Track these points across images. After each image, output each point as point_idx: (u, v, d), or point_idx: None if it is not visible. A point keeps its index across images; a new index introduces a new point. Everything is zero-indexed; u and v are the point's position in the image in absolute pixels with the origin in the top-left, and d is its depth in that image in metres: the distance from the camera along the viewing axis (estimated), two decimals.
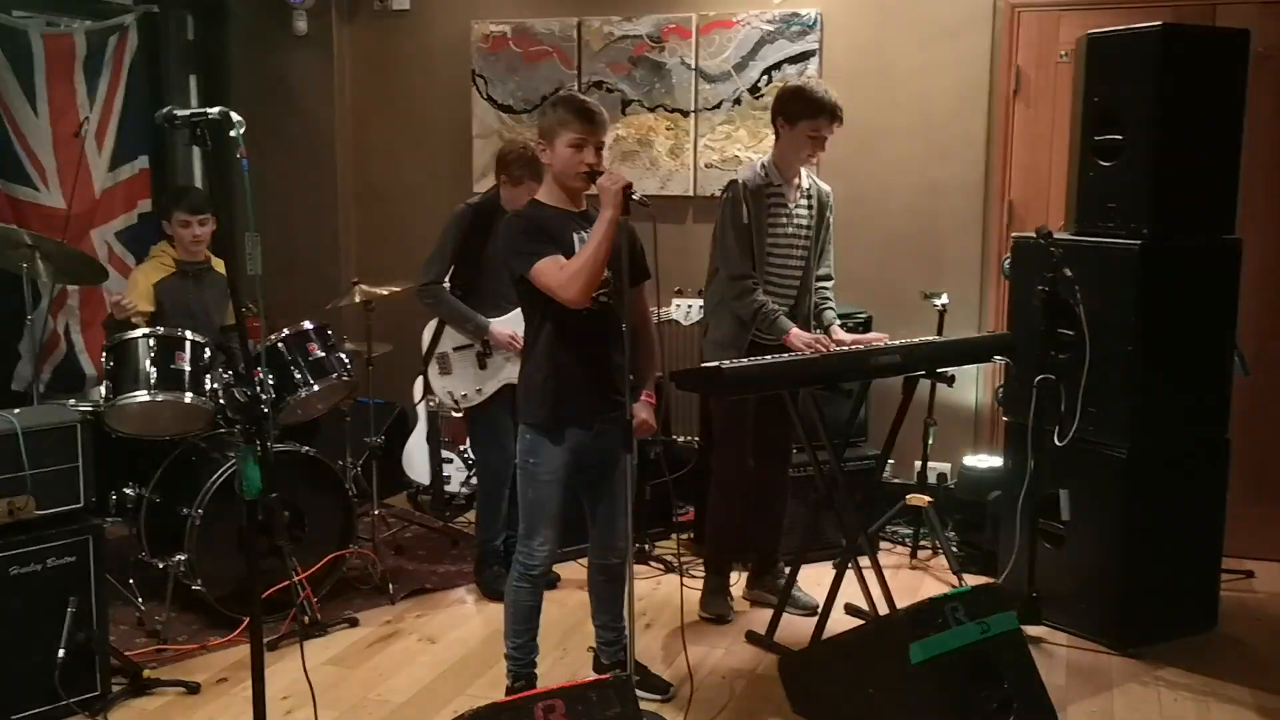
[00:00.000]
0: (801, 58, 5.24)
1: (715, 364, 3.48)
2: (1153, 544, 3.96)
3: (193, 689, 3.61)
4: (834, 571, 3.93)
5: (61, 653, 3.30)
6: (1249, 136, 4.03)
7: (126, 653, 3.74)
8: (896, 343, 3.87)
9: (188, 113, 2.46)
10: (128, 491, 4.21)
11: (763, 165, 4.09)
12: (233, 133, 2.49)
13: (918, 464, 4.94)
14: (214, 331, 4.60)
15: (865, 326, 4.90)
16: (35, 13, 5.13)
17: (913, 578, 4.68)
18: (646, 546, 4.89)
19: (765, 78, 5.27)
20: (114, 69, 5.28)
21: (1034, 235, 4.02)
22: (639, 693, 3.48)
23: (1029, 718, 3.19)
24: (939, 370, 3.88)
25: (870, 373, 3.81)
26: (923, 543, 4.91)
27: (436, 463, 5.34)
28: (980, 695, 3.13)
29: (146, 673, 3.62)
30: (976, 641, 3.19)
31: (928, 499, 4.77)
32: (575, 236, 3.20)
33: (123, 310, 4.32)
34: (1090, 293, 3.89)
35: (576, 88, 5.54)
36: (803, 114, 3.95)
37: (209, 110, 2.46)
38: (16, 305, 4.87)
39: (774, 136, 4.11)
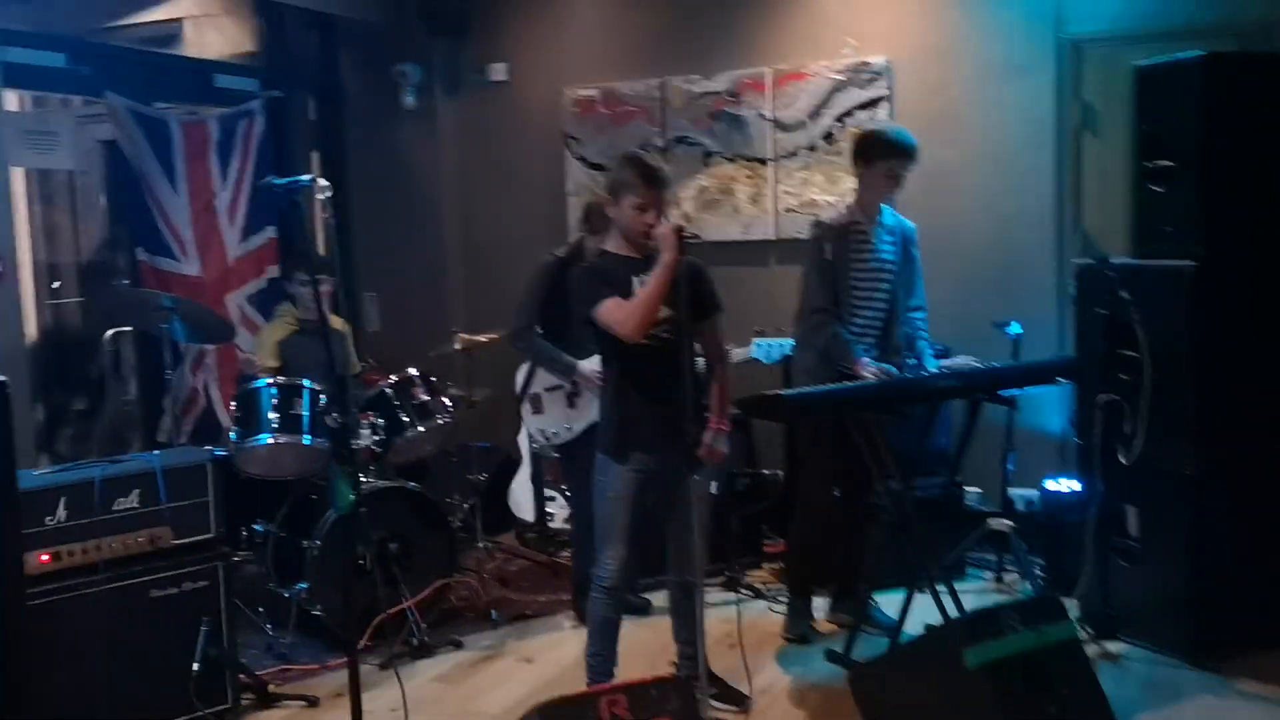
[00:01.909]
0: (872, 104, 5.48)
1: (775, 390, 3.72)
2: (1225, 559, 4.02)
3: (313, 703, 3.98)
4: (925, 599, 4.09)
5: (196, 666, 3.70)
6: None
7: (258, 672, 4.14)
8: (956, 368, 4.05)
9: (285, 181, 2.83)
10: (257, 528, 4.65)
11: (847, 206, 4.36)
12: (320, 196, 2.84)
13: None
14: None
15: (944, 357, 5.07)
16: (175, 103, 5.73)
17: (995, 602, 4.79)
18: (735, 574, 5.10)
19: (839, 124, 5.53)
20: (244, 149, 5.84)
21: (1093, 261, 4.17)
22: (716, 704, 3.77)
23: None
24: (1000, 393, 4.05)
25: (929, 397, 3.99)
26: (1007, 567, 5.01)
27: (540, 500, 5.66)
28: (1037, 700, 3.27)
29: (271, 688, 4.00)
30: (1033, 649, 3.34)
31: (1010, 523, 4.88)
32: (636, 280, 3.50)
33: (252, 367, 4.80)
34: (1148, 314, 4.02)
35: (662, 144, 5.89)
36: (879, 155, 4.21)
37: (301, 178, 2.82)
38: (161, 366, 5.46)
39: (856, 179, 4.36)
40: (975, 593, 4.80)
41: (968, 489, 5.35)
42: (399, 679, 3.51)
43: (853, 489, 4.44)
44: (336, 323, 5.34)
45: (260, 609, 4.62)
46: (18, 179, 6.43)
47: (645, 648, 4.30)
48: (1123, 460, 4.07)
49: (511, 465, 5.96)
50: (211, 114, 5.73)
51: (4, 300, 4.51)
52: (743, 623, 4.58)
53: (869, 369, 4.07)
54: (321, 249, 6.14)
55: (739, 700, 3.82)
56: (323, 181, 2.91)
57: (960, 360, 4.32)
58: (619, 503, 3.59)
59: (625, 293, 3.48)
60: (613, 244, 3.66)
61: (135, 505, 3.68)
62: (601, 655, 3.72)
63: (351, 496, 2.90)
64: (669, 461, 3.57)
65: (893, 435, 4.38)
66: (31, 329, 6.54)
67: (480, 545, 5.12)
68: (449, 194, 6.49)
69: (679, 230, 3.41)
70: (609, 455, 3.59)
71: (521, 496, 5.78)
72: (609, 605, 3.69)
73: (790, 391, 3.71)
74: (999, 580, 4.99)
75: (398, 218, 6.50)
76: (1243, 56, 4.18)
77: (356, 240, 6.66)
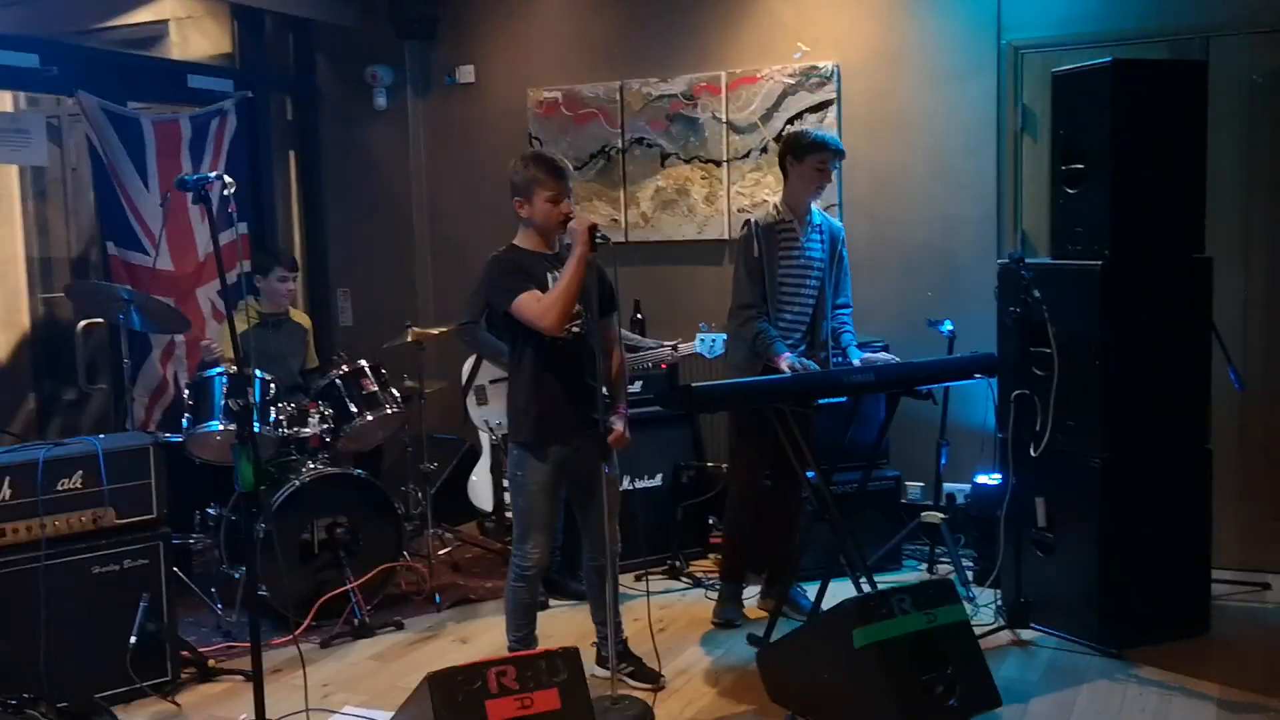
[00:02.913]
0: (821, 107, 5.62)
1: (686, 383, 3.88)
2: (1133, 550, 4.15)
3: (249, 677, 4.15)
4: (850, 585, 4.22)
5: (133, 640, 3.89)
6: (1249, 160, 4.19)
7: (203, 648, 4.33)
8: (873, 362, 4.19)
9: (195, 177, 3.00)
10: (210, 511, 4.84)
11: (775, 206, 4.51)
12: (226, 192, 3.01)
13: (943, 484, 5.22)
14: (291, 372, 5.25)
15: (887, 352, 5.21)
16: (150, 103, 5.94)
17: None
18: (678, 563, 5.26)
19: (788, 126, 5.66)
20: (215, 148, 6.02)
21: (1009, 261, 4.30)
22: (631, 681, 3.93)
23: (972, 700, 3.46)
24: (917, 389, 4.19)
25: (844, 391, 4.13)
26: (940, 558, 5.14)
27: (499, 491, 5.83)
28: (924, 678, 3.41)
29: (211, 663, 4.18)
30: (922, 630, 3.48)
31: (942, 516, 5.02)
32: (549, 275, 3.66)
33: (210, 352, 5.00)
34: (1060, 312, 4.15)
35: (620, 145, 6.05)
36: (808, 150, 4.36)
37: (209, 175, 2.99)
38: (134, 359, 5.66)
39: (784, 178, 4.51)
40: (909, 583, 4.92)
41: (910, 484, 5.50)
42: (301, 656, 3.67)
43: (781, 478, 4.59)
44: (300, 317, 5.55)
45: (213, 589, 4.81)
46: (11, 176, 6.68)
47: (582, 629, 4.46)
48: (1032, 453, 4.19)
49: (474, 456, 6.13)
50: (184, 113, 5.92)
51: None
52: (676, 609, 4.82)
53: (787, 363, 4.21)
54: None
55: (653, 679, 3.98)
56: (228, 179, 3.09)
57: (882, 357, 4.46)
58: (539, 495, 3.75)
59: (542, 287, 3.64)
60: (522, 240, 3.81)
61: (78, 486, 3.86)
62: (522, 638, 3.89)
63: (253, 480, 3.06)
64: (584, 452, 3.72)
65: (828, 428, 4.55)
66: (25, 321, 6.78)
67: (431, 532, 5.29)
68: (419, 192, 6.66)
69: (591, 228, 3.56)
70: (526, 449, 3.74)
71: (481, 487, 5.94)
72: (528, 591, 3.86)
73: (700, 385, 3.85)
74: (930, 571, 5.12)
75: (369, 215, 6.70)
76: (1151, 63, 4.29)
77: (330, 237, 6.85)
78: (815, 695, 3.61)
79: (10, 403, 6.63)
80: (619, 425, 3.74)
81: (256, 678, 3.18)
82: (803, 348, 4.44)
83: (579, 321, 3.66)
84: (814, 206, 4.53)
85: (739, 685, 3.99)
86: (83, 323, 5.85)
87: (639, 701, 3.75)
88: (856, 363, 4.37)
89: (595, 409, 3.63)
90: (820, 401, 4.60)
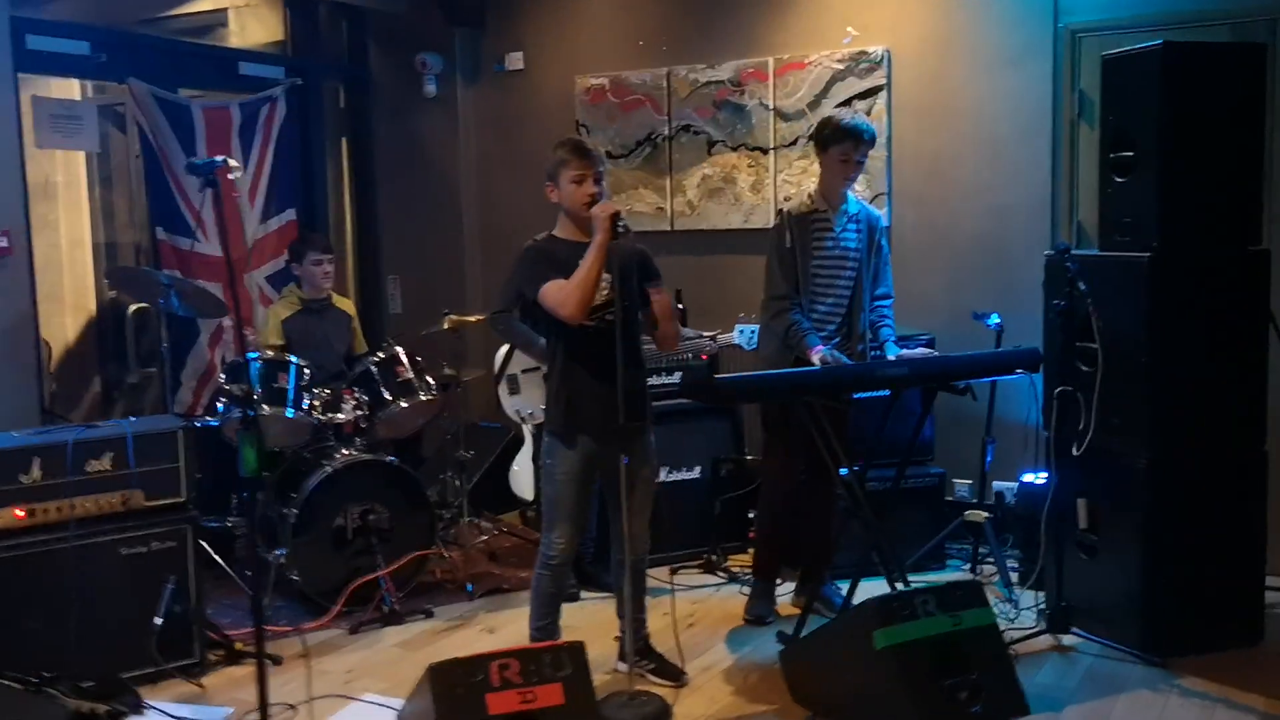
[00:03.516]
0: (871, 93, 5.48)
1: (708, 375, 3.79)
2: (1179, 554, 3.98)
3: (276, 661, 4.17)
4: (885, 585, 4.11)
5: (159, 621, 3.93)
6: None
7: (234, 632, 4.37)
8: (909, 356, 4.07)
9: (203, 161, 2.99)
10: (245, 495, 4.88)
11: (809, 195, 4.40)
12: (231, 175, 3.00)
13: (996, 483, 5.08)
14: (336, 358, 5.26)
15: (930, 347, 5.07)
16: (199, 90, 6.01)
17: None
18: (715, 557, 5.18)
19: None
20: (264, 135, 6.07)
21: (1053, 253, 4.15)
22: (652, 678, 3.87)
23: (997, 707, 3.34)
24: (954, 383, 4.06)
25: (874, 385, 4.01)
26: (984, 558, 4.99)
27: (539, 480, 5.79)
28: (947, 683, 3.30)
29: (239, 646, 4.20)
30: (946, 633, 3.37)
31: (985, 514, 4.87)
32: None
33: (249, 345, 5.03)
34: (1106, 306, 3.98)
35: (667, 132, 5.98)
36: (831, 140, 4.25)
37: (215, 159, 2.98)
38: (182, 341, 5.75)
39: (820, 167, 4.41)
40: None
41: (958, 481, 5.35)
42: (304, 645, 3.65)
43: (815, 474, 4.48)
44: (344, 303, 5.56)
45: (249, 573, 4.84)
46: (80, 164, 6.83)
47: (611, 622, 4.40)
48: (1074, 452, 4.04)
49: (518, 445, 6.11)
50: (234, 100, 5.97)
51: (12, 274, 4.78)
52: (709, 604, 4.75)
53: (819, 356, 4.10)
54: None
55: (675, 676, 3.91)
56: (233, 162, 3.08)
57: (921, 352, 4.31)
58: (567, 484, 3.70)
59: (570, 275, 3.58)
60: (560, 229, 3.76)
61: (108, 468, 3.91)
62: (544, 627, 3.85)
63: (256, 465, 3.06)
64: (615, 446, 3.66)
65: (873, 423, 4.40)
66: (91, 305, 6.93)
67: (468, 520, 5.28)
68: (468, 180, 6.65)
69: (613, 215, 3.49)
70: (556, 437, 3.70)
71: (522, 476, 5.91)
72: (554, 581, 3.81)
73: (722, 376, 3.77)
74: (974, 571, 4.98)
75: (420, 203, 6.70)
76: (1204, 46, 4.08)
77: (381, 225, 6.88)
78: (836, 696, 3.52)
79: (78, 385, 6.79)
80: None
81: (260, 663, 3.16)
82: (838, 340, 4.33)
83: (610, 310, 3.59)
84: (851, 195, 4.40)
85: (763, 684, 3.90)
86: (133, 307, 5.95)
87: (656, 697, 3.69)
88: (891, 357, 4.24)
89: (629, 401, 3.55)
90: (858, 396, 4.51)
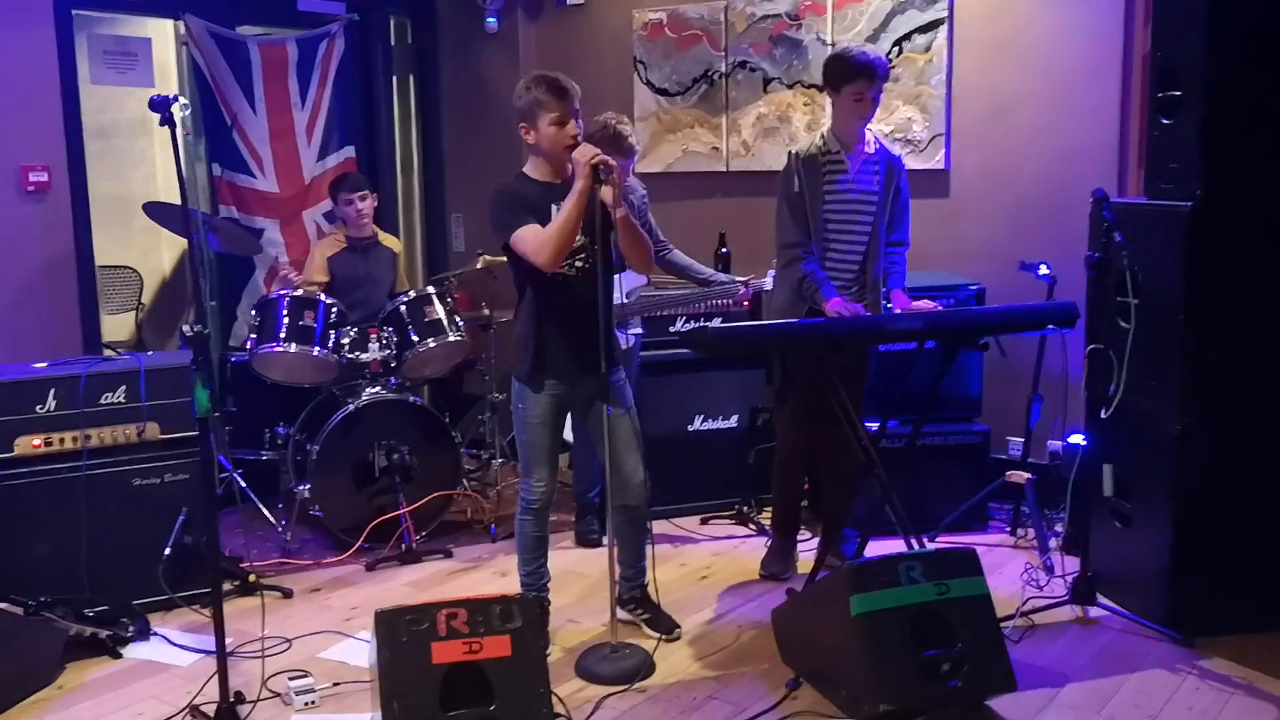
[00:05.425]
0: (931, 26, 5.17)
1: (703, 325, 3.66)
2: (1212, 527, 3.70)
3: (287, 594, 4.26)
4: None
5: (167, 551, 4.03)
6: None
7: (259, 563, 4.47)
8: (916, 309, 3.86)
9: (159, 97, 2.97)
10: (279, 430, 4.96)
11: (822, 135, 4.19)
12: (182, 114, 2.98)
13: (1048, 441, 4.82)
14: (380, 296, 5.28)
15: (979, 299, 4.82)
16: (255, 26, 6.05)
17: (1005, 555, 4.57)
18: (746, 508, 5.07)
19: (896, 49, 5.25)
20: (322, 71, 6.09)
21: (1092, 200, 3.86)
22: (648, 630, 3.81)
23: (979, 682, 3.18)
24: (978, 339, 3.83)
25: (882, 339, 3.82)
26: (1025, 520, 4.76)
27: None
28: (927, 654, 3.15)
29: (251, 578, 4.29)
30: (929, 602, 3.21)
31: (1027, 475, 4.63)
32: (553, 207, 3.49)
33: (288, 283, 5.08)
34: (1145, 258, 3.70)
35: (724, 69, 5.77)
36: (844, 79, 4.02)
37: (170, 96, 2.96)
38: (239, 277, 5.86)
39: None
40: (990, 545, 4.59)
41: (1011, 439, 5.10)
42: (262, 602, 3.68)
43: (835, 429, 4.32)
44: (390, 241, 5.56)
45: (280, 505, 4.95)
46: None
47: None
48: (1102, 415, 3.78)
49: None
50: (291, 36, 6.00)
51: (53, 209, 4.92)
52: (730, 556, 4.66)
53: (833, 308, 3.92)
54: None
55: (669, 628, 3.84)
56: (183, 100, 3.06)
57: (925, 303, 4.04)
58: (539, 428, 3.65)
59: (543, 219, 3.48)
60: (531, 168, 3.64)
61: (121, 400, 4.01)
62: (532, 571, 3.82)
63: (208, 405, 3.07)
64: (586, 389, 3.59)
65: (917, 378, 4.16)
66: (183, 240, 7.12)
67: (500, 463, 5.27)
68: None
69: (598, 163, 3.36)
70: (525, 384, 3.63)
71: None
72: (535, 524, 3.77)
73: (720, 327, 3.63)
74: (1013, 534, 4.75)
75: (482, 140, 6.64)
76: None
77: (446, 162, 6.86)
78: (815, 660, 3.40)
79: (170, 316, 7.05)
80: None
81: (216, 603, 3.19)
82: (854, 289, 4.13)
83: (583, 256, 3.49)
84: (868, 134, 4.16)
85: (756, 642, 3.79)
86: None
87: (639, 650, 3.63)
88: (892, 307, 4.01)
89: (600, 354, 3.47)
90: (882, 349, 4.31)
